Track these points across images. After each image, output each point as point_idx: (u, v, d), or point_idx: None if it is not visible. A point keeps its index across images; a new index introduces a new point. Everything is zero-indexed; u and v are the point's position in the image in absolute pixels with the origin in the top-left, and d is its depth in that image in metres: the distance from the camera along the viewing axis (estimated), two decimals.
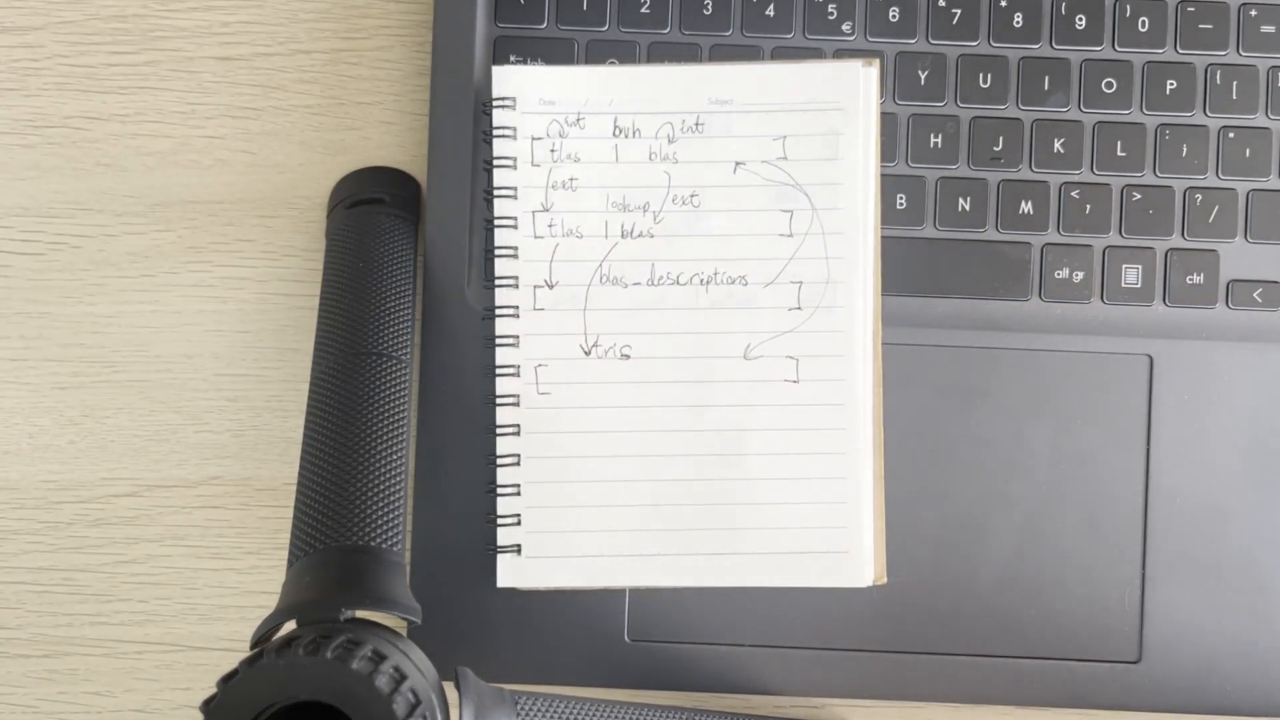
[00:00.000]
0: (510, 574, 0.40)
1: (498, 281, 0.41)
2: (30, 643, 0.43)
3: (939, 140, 0.42)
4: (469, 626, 0.41)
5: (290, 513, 0.35)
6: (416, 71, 0.44)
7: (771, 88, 0.41)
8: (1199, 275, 0.42)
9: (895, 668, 0.41)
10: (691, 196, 0.41)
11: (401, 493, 0.35)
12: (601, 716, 0.38)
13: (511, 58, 0.42)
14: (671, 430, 0.41)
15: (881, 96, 0.41)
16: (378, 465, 0.35)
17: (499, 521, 0.40)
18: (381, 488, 0.35)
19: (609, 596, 0.41)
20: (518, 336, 0.41)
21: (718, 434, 0.40)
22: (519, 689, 0.37)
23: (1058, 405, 0.42)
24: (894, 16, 0.42)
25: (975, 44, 0.42)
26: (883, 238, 0.41)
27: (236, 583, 0.43)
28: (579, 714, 0.37)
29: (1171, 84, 0.42)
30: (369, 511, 0.34)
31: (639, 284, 0.41)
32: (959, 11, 0.42)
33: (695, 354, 0.41)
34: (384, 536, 0.34)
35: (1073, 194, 0.42)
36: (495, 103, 0.41)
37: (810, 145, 0.41)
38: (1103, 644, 0.41)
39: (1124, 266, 0.42)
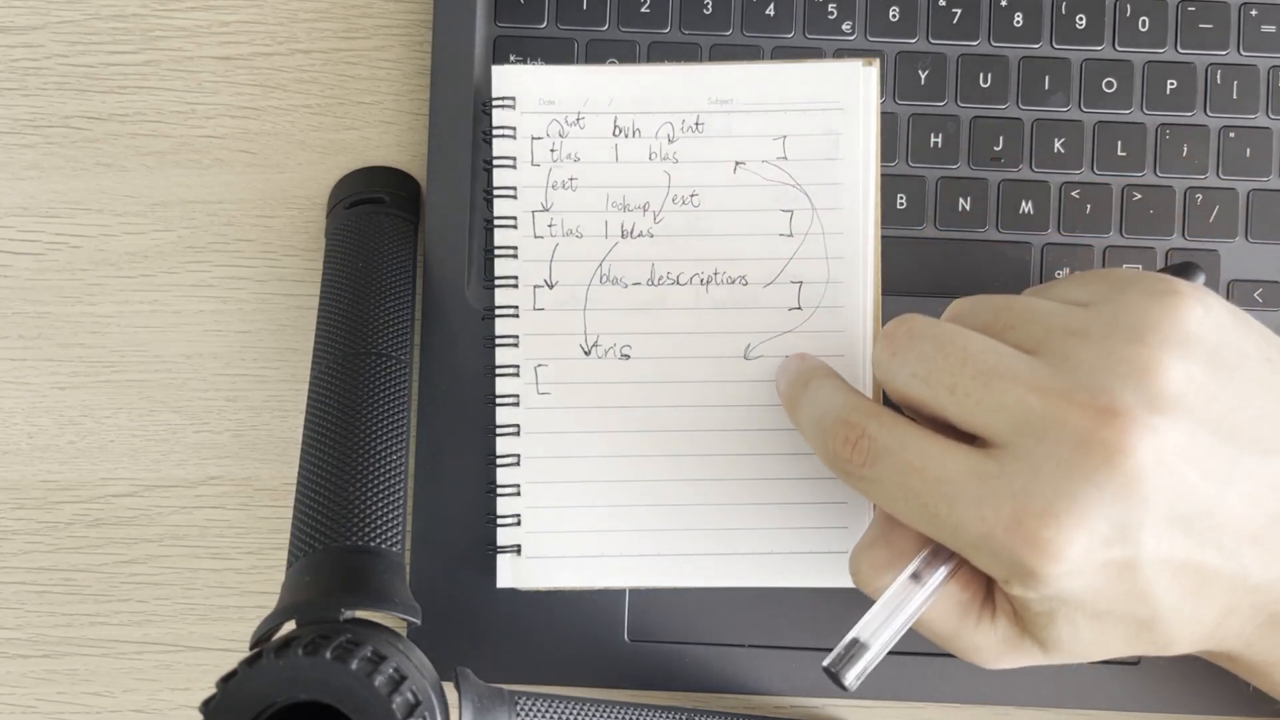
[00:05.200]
0: (510, 574, 0.40)
1: (498, 281, 0.41)
2: (30, 643, 0.43)
3: (939, 140, 0.42)
4: (469, 626, 0.41)
5: (290, 513, 0.35)
6: (416, 71, 0.44)
7: (771, 87, 0.41)
8: (1200, 276, 0.42)
9: (895, 668, 0.41)
10: (691, 196, 0.41)
11: (401, 493, 0.35)
12: (601, 716, 0.38)
13: (511, 57, 0.42)
14: (671, 430, 0.40)
15: (881, 96, 0.41)
16: (378, 465, 0.35)
17: (499, 521, 0.40)
18: (381, 488, 0.35)
19: (609, 596, 0.41)
20: (518, 336, 0.41)
21: (718, 434, 0.40)
22: (519, 689, 0.37)
23: None
24: (894, 16, 0.42)
25: (975, 44, 0.42)
26: (883, 238, 0.41)
27: (236, 583, 0.43)
28: (579, 714, 0.37)
29: (1172, 84, 0.42)
30: (369, 511, 0.34)
31: (639, 284, 0.41)
32: (959, 11, 0.42)
33: (695, 354, 0.41)
34: (384, 536, 0.34)
35: (1073, 194, 0.42)
36: (495, 102, 0.41)
37: (810, 145, 0.41)
38: None
39: (1124, 266, 0.42)
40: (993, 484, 0.31)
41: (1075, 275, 0.36)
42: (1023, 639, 0.34)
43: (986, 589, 0.34)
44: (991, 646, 0.34)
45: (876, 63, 0.41)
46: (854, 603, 0.41)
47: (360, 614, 0.31)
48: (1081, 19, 0.42)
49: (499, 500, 0.40)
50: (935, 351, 0.33)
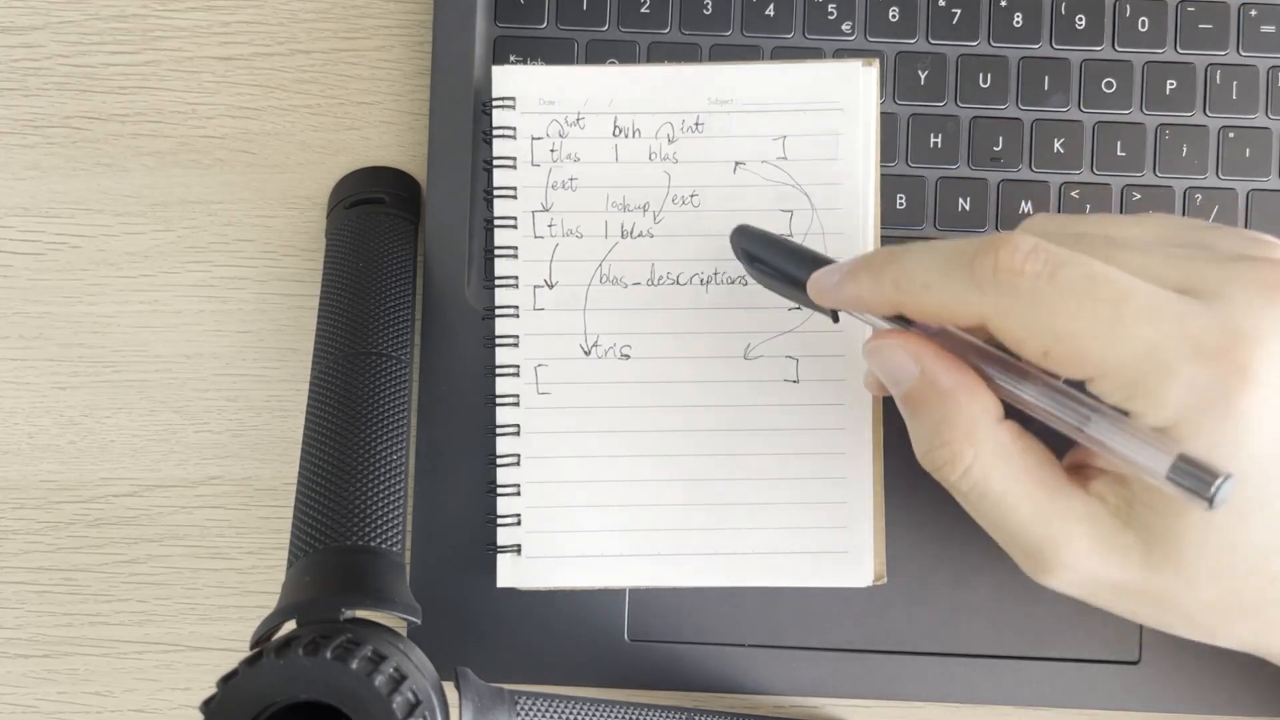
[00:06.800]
0: (510, 574, 0.40)
1: (498, 281, 0.41)
2: (30, 643, 0.43)
3: (939, 140, 0.42)
4: (469, 626, 0.41)
5: (290, 513, 0.35)
6: (416, 71, 0.44)
7: (771, 88, 0.41)
8: None
9: (895, 668, 0.41)
10: (691, 196, 0.41)
11: (401, 493, 0.35)
12: (601, 716, 0.38)
13: (511, 58, 0.42)
14: (671, 430, 0.41)
15: (881, 96, 0.41)
16: (378, 465, 0.35)
17: (499, 521, 0.40)
18: (381, 488, 0.35)
19: (609, 596, 0.42)
20: (518, 336, 0.41)
21: (718, 434, 0.40)
22: (519, 689, 0.37)
23: None
24: (894, 16, 0.42)
25: (975, 44, 0.42)
26: (883, 238, 0.41)
27: (236, 583, 0.43)
28: (579, 714, 0.37)
29: (1171, 84, 0.42)
30: (369, 511, 0.34)
31: (639, 284, 0.41)
32: (959, 11, 0.42)
33: (695, 354, 0.41)
34: (384, 536, 0.34)
35: (1073, 194, 0.42)
36: (495, 103, 0.41)
37: (810, 145, 0.41)
38: (1103, 644, 0.41)
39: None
40: (1196, 308, 0.29)
41: (1134, 218, 0.34)
42: (1124, 532, 0.31)
43: (1074, 462, 0.32)
44: (1074, 535, 0.31)
45: (876, 63, 0.41)
46: (853, 603, 0.41)
47: (360, 614, 0.31)
48: (1081, 19, 0.42)
49: (499, 500, 0.40)
50: (1073, 248, 0.31)
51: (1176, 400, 0.28)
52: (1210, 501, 0.27)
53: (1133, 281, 0.29)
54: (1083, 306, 0.29)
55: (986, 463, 0.32)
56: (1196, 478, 0.27)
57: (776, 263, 0.36)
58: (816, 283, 0.35)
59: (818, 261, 0.35)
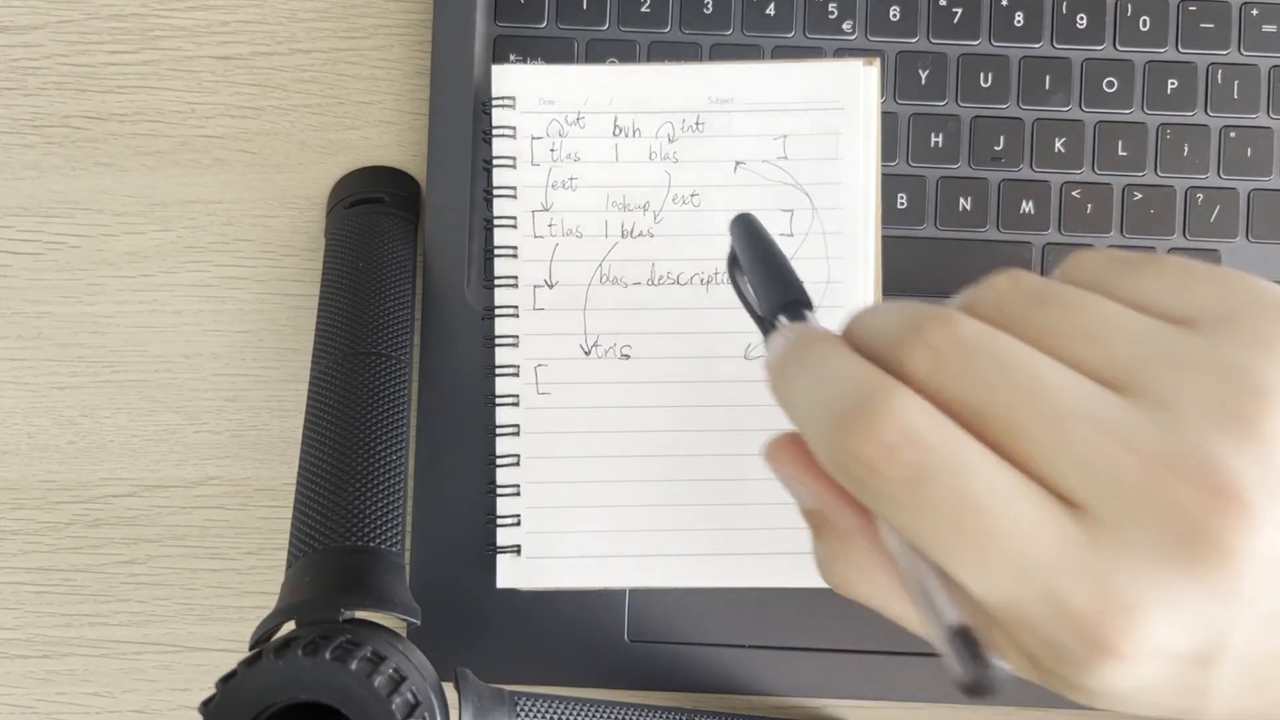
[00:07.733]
0: (510, 574, 0.40)
1: (497, 281, 0.41)
2: (29, 643, 0.43)
3: (939, 139, 0.42)
4: (469, 626, 0.41)
5: (290, 513, 0.35)
6: (416, 71, 0.44)
7: (772, 87, 0.41)
8: None
9: (895, 668, 0.41)
10: (692, 196, 0.41)
11: (401, 493, 0.35)
12: (601, 717, 0.38)
13: (511, 57, 0.42)
14: (671, 430, 0.40)
15: (882, 96, 0.41)
16: (378, 465, 0.35)
17: (499, 522, 0.40)
18: (381, 488, 0.35)
19: (609, 596, 0.41)
20: (517, 336, 0.41)
21: (718, 434, 0.40)
22: (519, 689, 0.37)
23: None
24: (895, 15, 0.42)
25: (976, 43, 0.42)
26: (883, 238, 0.41)
27: (236, 583, 0.43)
28: (579, 714, 0.37)
29: (1173, 83, 0.42)
30: (369, 511, 0.34)
31: (639, 284, 0.41)
32: (960, 11, 0.42)
33: (695, 354, 0.41)
34: (384, 536, 0.34)
35: (1074, 193, 0.42)
36: (495, 102, 0.41)
37: (810, 145, 0.41)
38: None
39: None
40: (1076, 554, 0.24)
41: (1160, 263, 0.27)
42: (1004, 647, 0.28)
43: None
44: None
45: (877, 62, 0.41)
46: (853, 603, 0.41)
47: (360, 614, 0.31)
48: (1082, 19, 0.42)
49: (499, 500, 0.40)
50: (997, 377, 0.24)
51: (1023, 644, 0.25)
52: (965, 689, 0.24)
53: (1013, 509, 0.24)
54: (944, 534, 0.24)
55: (868, 590, 0.29)
56: (966, 656, 0.24)
57: (748, 278, 0.32)
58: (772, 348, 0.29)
59: (788, 288, 0.31)
